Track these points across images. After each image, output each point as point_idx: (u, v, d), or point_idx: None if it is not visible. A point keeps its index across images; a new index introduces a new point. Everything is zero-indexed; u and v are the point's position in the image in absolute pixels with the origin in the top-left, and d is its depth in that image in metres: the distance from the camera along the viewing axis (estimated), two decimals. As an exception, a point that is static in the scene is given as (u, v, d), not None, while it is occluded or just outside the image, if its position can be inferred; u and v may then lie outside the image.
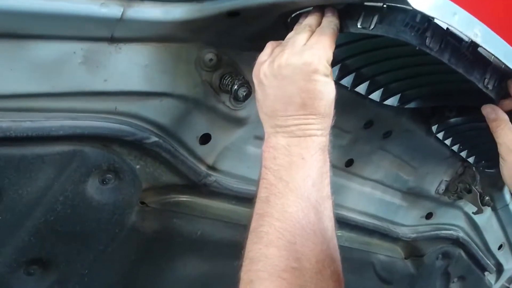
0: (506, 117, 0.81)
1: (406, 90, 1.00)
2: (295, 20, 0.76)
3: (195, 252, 1.05)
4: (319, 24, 0.68)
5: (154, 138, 0.82)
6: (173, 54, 0.78)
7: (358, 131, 1.11)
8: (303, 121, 0.65)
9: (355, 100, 1.00)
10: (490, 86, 0.77)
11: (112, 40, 0.70)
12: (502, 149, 0.82)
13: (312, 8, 0.73)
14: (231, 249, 1.10)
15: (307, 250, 0.59)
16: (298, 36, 0.67)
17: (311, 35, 0.66)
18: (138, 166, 0.88)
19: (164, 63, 0.78)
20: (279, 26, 0.78)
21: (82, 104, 0.74)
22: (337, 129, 0.95)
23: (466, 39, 0.69)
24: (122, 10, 0.66)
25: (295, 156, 0.64)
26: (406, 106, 1.03)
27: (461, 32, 0.64)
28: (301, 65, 0.64)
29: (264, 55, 0.70)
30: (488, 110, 0.81)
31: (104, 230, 0.88)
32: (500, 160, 0.84)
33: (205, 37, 0.78)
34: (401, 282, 1.57)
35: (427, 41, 0.65)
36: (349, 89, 0.95)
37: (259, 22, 0.77)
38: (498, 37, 0.68)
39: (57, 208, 0.79)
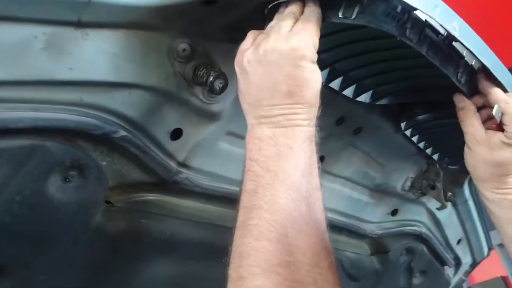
0: (473, 107, 0.84)
1: (378, 86, 1.01)
2: (273, 11, 0.74)
3: (164, 254, 1.00)
4: (302, 13, 0.67)
5: (122, 133, 0.77)
6: (143, 43, 0.73)
7: (330, 127, 1.11)
8: (289, 110, 0.62)
9: (329, 96, 0.99)
10: (462, 80, 0.79)
11: (79, 25, 0.65)
12: (468, 138, 0.84)
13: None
14: (201, 250, 1.07)
15: (300, 243, 0.56)
16: (283, 23, 0.65)
17: (295, 23, 0.64)
18: (104, 163, 0.82)
19: (134, 52, 0.73)
20: (256, 17, 0.76)
21: (44, 94, 0.67)
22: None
23: (443, 32, 0.70)
24: (91, -8, 0.61)
25: (282, 146, 0.62)
26: (377, 103, 1.04)
27: (441, 25, 0.65)
28: (288, 51, 0.61)
29: (246, 43, 0.67)
30: (458, 99, 0.83)
31: (66, 231, 0.81)
32: (466, 149, 0.87)
33: (179, 26, 0.74)
34: (367, 278, 1.58)
35: (407, 32, 0.66)
36: (323, 84, 0.94)
37: (236, 11, 0.74)
38: (474, 32, 0.69)
39: (14, 208, 0.72)
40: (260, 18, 0.76)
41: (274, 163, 0.61)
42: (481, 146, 0.83)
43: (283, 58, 0.62)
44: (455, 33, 0.65)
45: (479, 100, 0.85)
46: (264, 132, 0.63)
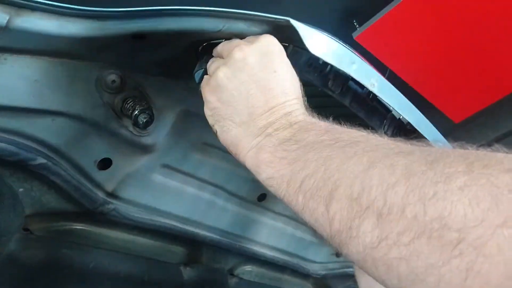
0: None
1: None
2: (206, 50, 0.74)
3: (86, 286, 0.96)
4: None
5: (41, 160, 0.74)
6: (69, 71, 0.72)
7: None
8: (289, 108, 0.55)
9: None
10: (389, 133, 0.80)
11: (-5, 49, 0.63)
12: None
13: (223, 40, 0.71)
14: (128, 284, 1.03)
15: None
16: (231, 42, 0.61)
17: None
18: (21, 190, 0.79)
19: (58, 80, 0.71)
20: (189, 54, 0.76)
21: (-47, 116, 0.65)
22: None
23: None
24: (7, 18, 0.59)
25: (312, 134, 0.50)
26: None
27: (358, 81, 0.66)
28: (265, 47, 0.57)
29: (210, 72, 0.62)
30: None
31: (-28, 260, 0.77)
32: None
33: (108, 57, 0.74)
34: (311, 319, 1.56)
35: (329, 83, 0.67)
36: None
37: (168, 48, 0.74)
38: (394, 88, 0.71)
39: None
40: (193, 56, 0.76)
41: (317, 139, 0.48)
42: None
43: (264, 56, 0.56)
44: (374, 89, 0.67)
45: None
46: (278, 137, 0.52)
